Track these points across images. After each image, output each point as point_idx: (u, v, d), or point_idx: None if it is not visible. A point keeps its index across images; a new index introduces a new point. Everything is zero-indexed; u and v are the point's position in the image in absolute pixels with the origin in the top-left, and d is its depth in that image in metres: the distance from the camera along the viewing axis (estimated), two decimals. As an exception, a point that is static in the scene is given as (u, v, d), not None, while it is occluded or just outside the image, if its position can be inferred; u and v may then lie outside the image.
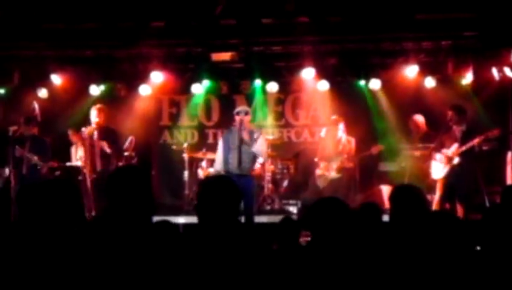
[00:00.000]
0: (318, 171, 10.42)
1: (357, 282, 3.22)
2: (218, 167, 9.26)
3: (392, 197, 4.45)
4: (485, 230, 3.58)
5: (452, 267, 3.15)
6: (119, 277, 3.27)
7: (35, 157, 9.27)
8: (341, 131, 10.28)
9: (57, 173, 9.72)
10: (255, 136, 8.83)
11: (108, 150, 9.59)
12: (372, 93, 11.26)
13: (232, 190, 3.61)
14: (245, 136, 8.62)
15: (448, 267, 3.14)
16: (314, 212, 3.51)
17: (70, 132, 10.44)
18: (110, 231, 3.41)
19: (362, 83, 11.02)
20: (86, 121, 9.83)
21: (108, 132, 9.75)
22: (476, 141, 8.79)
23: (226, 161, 8.82)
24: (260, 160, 9.50)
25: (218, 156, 9.12)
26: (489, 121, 9.91)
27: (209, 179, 4.43)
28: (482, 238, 3.58)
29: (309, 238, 5.09)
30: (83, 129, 9.62)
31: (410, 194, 4.35)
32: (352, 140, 10.35)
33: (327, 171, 10.22)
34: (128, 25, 9.23)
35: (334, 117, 10.47)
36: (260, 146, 8.78)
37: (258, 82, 11.34)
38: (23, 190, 4.67)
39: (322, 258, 3.41)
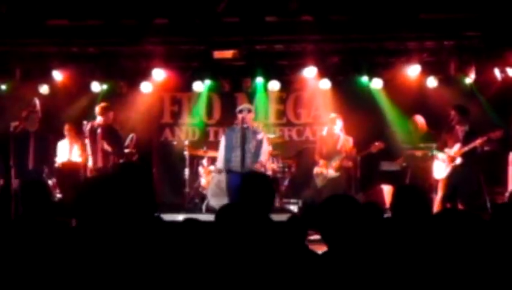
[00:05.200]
0: (316, 169, 10.15)
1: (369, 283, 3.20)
2: (219, 164, 9.27)
3: (395, 197, 4.43)
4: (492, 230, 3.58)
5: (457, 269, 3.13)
6: (121, 274, 3.25)
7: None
8: (338, 129, 10.06)
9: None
10: (259, 137, 8.85)
11: (109, 149, 9.50)
12: (374, 92, 11.24)
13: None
14: (248, 134, 8.66)
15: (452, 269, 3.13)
16: (326, 210, 3.46)
17: (66, 126, 10.43)
18: (112, 228, 3.40)
19: (365, 80, 10.95)
20: (86, 117, 9.71)
21: (111, 132, 9.61)
22: (478, 141, 8.78)
23: (228, 160, 8.83)
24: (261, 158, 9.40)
25: (220, 154, 9.13)
26: (491, 121, 9.91)
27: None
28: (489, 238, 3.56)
29: (314, 237, 5.12)
30: (84, 122, 9.43)
31: (414, 195, 4.33)
32: (350, 139, 10.08)
33: (325, 170, 10.04)
34: (131, 22, 9.22)
35: (332, 115, 10.27)
36: (264, 149, 8.86)
37: (259, 80, 11.32)
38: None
39: (334, 257, 3.38)
